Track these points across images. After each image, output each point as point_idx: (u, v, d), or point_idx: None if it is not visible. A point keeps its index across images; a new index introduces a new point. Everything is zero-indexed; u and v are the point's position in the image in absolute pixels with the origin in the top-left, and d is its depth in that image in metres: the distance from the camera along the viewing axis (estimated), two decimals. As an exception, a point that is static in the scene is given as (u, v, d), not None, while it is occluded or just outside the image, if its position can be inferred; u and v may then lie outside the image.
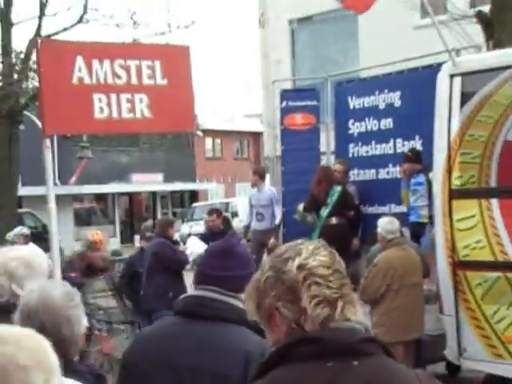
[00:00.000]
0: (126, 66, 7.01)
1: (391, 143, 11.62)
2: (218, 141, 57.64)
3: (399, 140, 11.53)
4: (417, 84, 11.12)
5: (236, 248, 3.46)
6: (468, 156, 8.84)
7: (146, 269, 11.14)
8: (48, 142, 6.73)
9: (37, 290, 3.25)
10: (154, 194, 49.81)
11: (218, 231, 12.62)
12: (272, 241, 12.35)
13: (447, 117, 8.99)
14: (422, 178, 10.86)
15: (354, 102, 12.08)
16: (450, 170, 8.96)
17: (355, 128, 12.08)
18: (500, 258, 8.48)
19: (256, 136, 58.44)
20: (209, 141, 56.73)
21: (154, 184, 47.94)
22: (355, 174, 12.06)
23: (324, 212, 11.37)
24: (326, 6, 18.49)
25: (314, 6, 20.06)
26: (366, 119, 11.89)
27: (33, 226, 31.17)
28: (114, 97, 6.91)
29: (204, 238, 13.42)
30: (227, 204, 41.73)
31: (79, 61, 6.79)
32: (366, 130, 11.92)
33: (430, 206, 10.79)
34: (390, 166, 11.66)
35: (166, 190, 50.16)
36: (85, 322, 3.28)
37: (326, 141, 12.66)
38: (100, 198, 46.17)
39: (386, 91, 11.62)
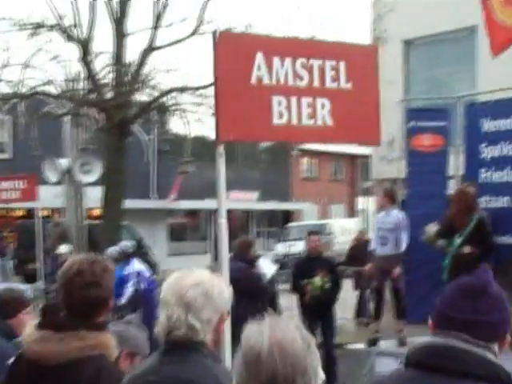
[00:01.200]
0: (308, 66, 6.37)
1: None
2: (315, 161, 57.21)
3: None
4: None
5: (490, 287, 2.90)
6: None
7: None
8: (221, 148, 6.19)
9: (266, 329, 2.51)
10: (248, 212, 49.59)
11: (317, 254, 12.17)
12: (397, 270, 11.80)
13: None
14: None
15: (488, 125, 11.49)
16: None
17: (488, 152, 11.49)
18: None
19: (353, 158, 57.88)
20: (305, 161, 56.39)
21: (250, 202, 47.71)
22: (487, 201, 11.44)
23: (458, 239, 10.77)
24: (441, 26, 17.98)
25: (428, 26, 19.47)
26: (502, 143, 11.29)
27: (129, 239, 31.15)
28: (294, 100, 6.28)
29: (302, 259, 12.96)
30: (323, 225, 41.21)
31: (259, 57, 6.18)
32: (501, 155, 11.30)
33: None
34: (525, 192, 11.04)
35: (261, 209, 49.88)
36: (322, 373, 2.62)
37: (455, 164, 12.08)
38: (193, 213, 46.16)
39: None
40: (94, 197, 20.12)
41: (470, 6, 16.01)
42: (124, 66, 18.14)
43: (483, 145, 11.57)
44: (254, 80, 6.17)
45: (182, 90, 18.45)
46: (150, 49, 18.30)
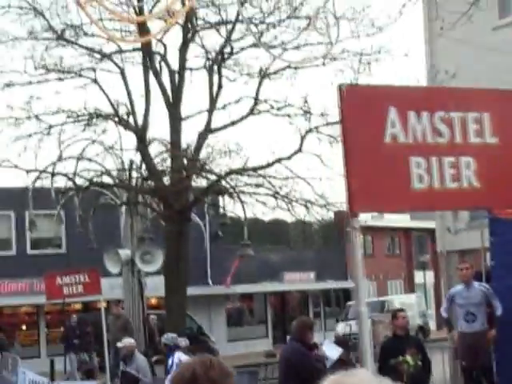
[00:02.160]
0: (448, 120, 5.70)
1: None
2: (369, 237, 56.61)
3: None
4: None
5: None
6: None
7: (279, 375, 10.43)
8: (356, 222, 5.52)
9: None
10: (305, 292, 49.01)
11: (405, 332, 11.80)
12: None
13: None
14: None
15: None
16: None
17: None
18: None
19: (407, 231, 57.25)
20: (360, 237, 55.75)
21: (306, 283, 47.20)
22: None
23: None
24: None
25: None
26: None
27: (188, 327, 30.79)
28: (434, 161, 5.60)
29: (389, 338, 12.55)
30: (383, 302, 40.54)
31: (392, 113, 5.55)
32: None
33: None
34: None
35: (318, 289, 49.27)
36: None
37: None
38: (248, 297, 45.70)
39: None
40: (153, 286, 19.89)
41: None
42: (181, 150, 18.08)
43: None
44: (388, 139, 5.56)
45: (241, 171, 18.32)
46: (207, 131, 18.28)
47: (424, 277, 51.92)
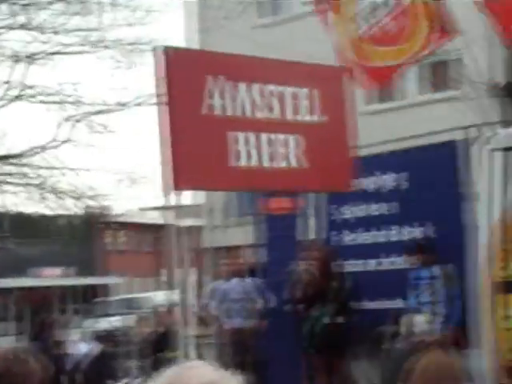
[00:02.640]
0: (279, 94, 5.45)
1: (396, 230, 10.88)
2: (120, 233, 56.09)
3: (405, 226, 10.79)
4: (428, 164, 10.45)
5: None
6: (513, 244, 8.13)
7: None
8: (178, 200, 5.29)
9: None
10: (51, 288, 47.80)
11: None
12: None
13: (487, 197, 8.29)
14: (434, 272, 10.11)
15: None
16: (491, 260, 8.20)
17: (351, 213, 11.29)
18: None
19: (158, 228, 57.09)
20: (109, 233, 55.10)
21: (54, 278, 46.10)
22: (351, 265, 11.23)
23: (324, 307, 10.50)
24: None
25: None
26: (365, 203, 11.12)
27: None
28: (264, 138, 5.40)
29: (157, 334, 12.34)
30: (139, 299, 40.30)
31: (210, 82, 5.19)
32: (366, 216, 11.13)
33: (438, 303, 10.01)
34: (395, 255, 10.88)
35: (65, 285, 48.23)
36: None
37: (316, 227, 11.84)
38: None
39: (390, 172, 10.89)
40: None
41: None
42: None
43: (346, 206, 11.33)
44: (205, 110, 5.22)
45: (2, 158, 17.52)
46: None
47: (185, 273, 51.97)
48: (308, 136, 5.58)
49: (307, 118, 5.59)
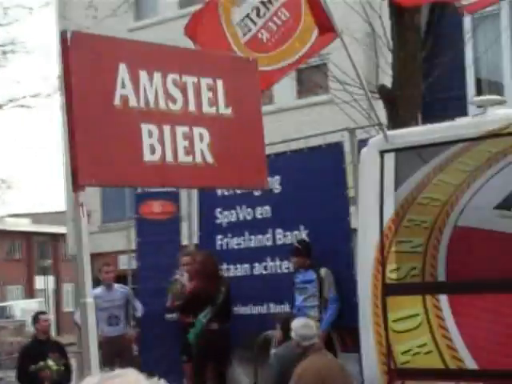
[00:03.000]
0: (181, 84, 4.43)
1: (269, 234, 9.57)
2: (-10, 240, 52.91)
3: (279, 230, 9.50)
4: (301, 167, 9.26)
5: None
6: (407, 245, 6.99)
7: None
8: (81, 197, 4.04)
9: None
10: None
11: (47, 337, 10.16)
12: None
13: (378, 200, 7.11)
14: (312, 275, 8.91)
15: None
16: (383, 262, 7.04)
17: (224, 217, 9.93)
18: (452, 365, 6.60)
19: (28, 236, 54.27)
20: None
21: None
22: (224, 270, 9.83)
23: (206, 315, 9.07)
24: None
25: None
26: (238, 207, 9.79)
27: None
28: (168, 130, 4.33)
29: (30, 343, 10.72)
30: (3, 308, 37.77)
31: (123, 70, 4.18)
32: (238, 220, 9.80)
33: (320, 306, 8.88)
34: (268, 259, 9.58)
35: None
36: None
37: (189, 232, 10.39)
38: None
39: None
40: None
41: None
42: None
43: (218, 210, 10.00)
44: (117, 101, 4.19)
45: None
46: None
47: (45, 282, 49.40)
48: (212, 129, 4.67)
49: (210, 109, 4.69)
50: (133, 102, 4.26)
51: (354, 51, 8.55)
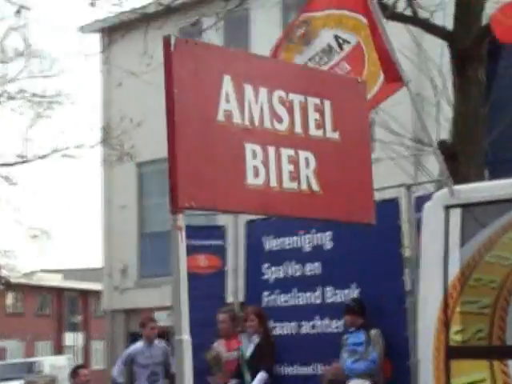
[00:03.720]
0: (288, 103, 4.04)
1: (319, 292, 9.17)
2: (20, 295, 52.67)
3: (329, 288, 9.10)
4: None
5: None
6: (473, 305, 6.54)
7: None
8: (181, 220, 3.69)
9: None
10: None
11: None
12: None
13: (442, 257, 6.70)
14: (362, 336, 8.47)
15: (271, 243, 9.59)
16: (447, 323, 6.60)
17: (271, 273, 9.55)
18: None
19: (59, 291, 54.07)
20: (10, 295, 51.61)
21: None
22: (271, 328, 9.41)
23: None
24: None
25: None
26: (286, 263, 9.41)
27: None
28: (272, 151, 3.94)
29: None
30: (32, 363, 37.29)
31: (227, 83, 3.81)
32: (286, 276, 9.40)
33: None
34: (317, 318, 9.16)
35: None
36: None
37: (234, 287, 10.01)
38: None
39: (312, 231, 9.25)
40: None
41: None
42: None
43: (265, 265, 9.62)
44: (221, 116, 3.80)
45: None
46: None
47: (75, 338, 49.00)
48: (319, 154, 4.25)
49: (317, 132, 4.26)
50: (237, 119, 3.87)
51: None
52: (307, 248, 9.33)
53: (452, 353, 6.53)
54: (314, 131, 4.19)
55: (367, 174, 4.51)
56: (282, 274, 9.48)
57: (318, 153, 4.18)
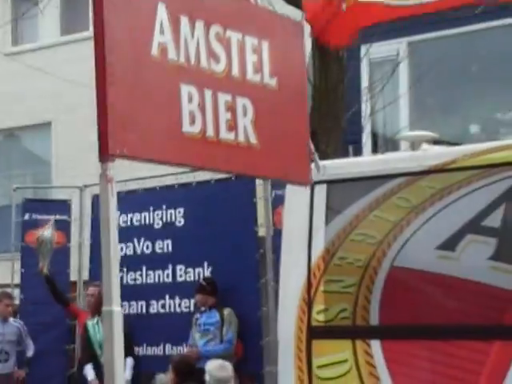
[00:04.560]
0: (225, 40, 3.57)
1: (169, 270, 8.80)
2: None
3: (180, 266, 8.76)
4: (207, 199, 8.58)
5: None
6: (337, 284, 6.35)
7: None
8: (109, 170, 3.11)
9: None
10: None
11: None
12: None
13: (305, 235, 6.47)
14: (215, 316, 8.19)
15: (119, 219, 9.11)
16: (310, 302, 6.38)
17: (119, 250, 9.07)
18: (383, 416, 5.99)
19: None
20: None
21: None
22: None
23: None
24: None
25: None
26: (135, 240, 8.97)
27: None
28: (209, 95, 3.43)
29: None
30: None
31: (161, 11, 3.27)
32: (135, 253, 8.98)
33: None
34: (167, 297, 8.79)
35: None
36: None
37: (79, 263, 9.45)
38: None
39: (164, 207, 8.87)
40: None
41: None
42: None
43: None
44: (155, 51, 3.29)
45: None
46: None
47: None
48: (256, 102, 3.79)
49: (254, 77, 3.81)
50: (172, 54, 3.38)
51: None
52: (158, 225, 8.92)
53: (314, 333, 6.32)
54: (251, 75, 3.76)
55: (303, 128, 4.12)
56: (130, 251, 9.03)
57: (256, 100, 3.76)
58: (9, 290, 9.67)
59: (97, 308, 8.26)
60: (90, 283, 8.92)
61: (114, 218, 3.35)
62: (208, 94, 3.53)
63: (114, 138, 3.16)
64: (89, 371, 8.53)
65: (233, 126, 3.65)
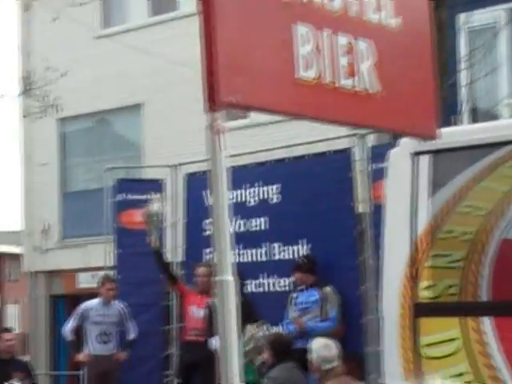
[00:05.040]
0: None
1: (265, 248, 8.61)
2: None
3: (277, 244, 8.54)
4: (303, 176, 8.32)
5: None
6: (444, 259, 6.05)
7: None
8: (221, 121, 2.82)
9: None
10: None
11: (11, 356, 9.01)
12: None
13: (409, 208, 6.17)
14: (315, 294, 7.94)
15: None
16: (414, 278, 6.09)
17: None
18: (496, 397, 5.67)
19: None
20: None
21: None
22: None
23: None
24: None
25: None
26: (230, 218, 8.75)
27: None
28: (326, 37, 3.11)
29: None
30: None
31: None
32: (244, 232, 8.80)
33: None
34: (263, 276, 8.60)
35: None
36: None
37: (173, 244, 9.33)
38: None
39: (258, 184, 8.66)
40: None
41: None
42: None
43: (206, 221, 8.95)
44: None
45: None
46: None
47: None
48: (378, 44, 3.37)
49: (374, 16, 3.39)
50: None
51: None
52: (252, 202, 8.72)
53: (420, 310, 6.05)
54: (371, 14, 3.42)
55: (429, 74, 3.72)
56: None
57: (378, 43, 3.40)
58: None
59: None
60: (198, 263, 8.70)
61: (224, 183, 3.02)
62: (325, 34, 3.22)
63: (224, 85, 2.86)
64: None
65: (352, 72, 3.30)
